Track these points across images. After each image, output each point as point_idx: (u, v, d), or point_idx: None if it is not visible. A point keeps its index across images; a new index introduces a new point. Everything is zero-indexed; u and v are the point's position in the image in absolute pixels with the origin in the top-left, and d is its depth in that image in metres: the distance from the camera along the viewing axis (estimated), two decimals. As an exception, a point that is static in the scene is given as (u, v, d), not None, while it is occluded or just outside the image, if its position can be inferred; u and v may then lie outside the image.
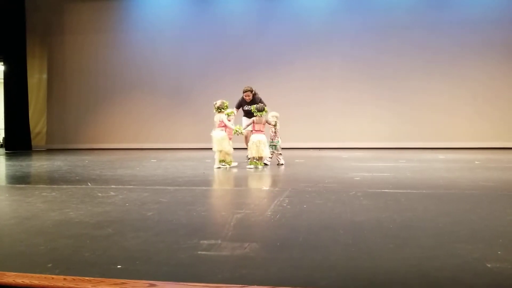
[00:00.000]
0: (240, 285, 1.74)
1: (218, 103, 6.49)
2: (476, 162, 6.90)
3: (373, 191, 4.13)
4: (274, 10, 11.39)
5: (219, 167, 6.32)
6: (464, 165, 6.51)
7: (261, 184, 5.24)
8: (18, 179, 5.63)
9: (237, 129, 6.45)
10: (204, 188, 4.86)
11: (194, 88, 11.56)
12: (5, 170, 6.97)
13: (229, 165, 6.40)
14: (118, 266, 2.02)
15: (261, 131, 6.49)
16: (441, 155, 8.28)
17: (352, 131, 10.84)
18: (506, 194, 4.04)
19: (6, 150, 11.76)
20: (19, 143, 11.88)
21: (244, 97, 7.02)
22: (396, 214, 3.08)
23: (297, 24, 11.18)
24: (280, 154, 6.83)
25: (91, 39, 12.27)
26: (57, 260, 2.13)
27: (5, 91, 12.10)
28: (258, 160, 6.40)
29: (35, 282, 1.77)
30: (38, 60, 12.61)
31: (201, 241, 2.39)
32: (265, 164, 6.68)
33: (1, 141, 13.32)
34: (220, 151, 6.38)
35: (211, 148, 6.55)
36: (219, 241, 2.40)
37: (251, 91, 6.99)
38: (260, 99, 7.00)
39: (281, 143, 6.86)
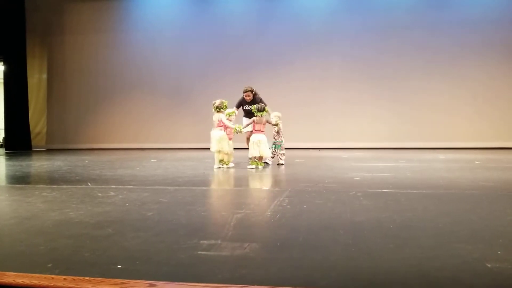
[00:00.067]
0: (240, 285, 1.74)
1: (217, 102, 6.48)
2: (476, 162, 6.90)
3: (373, 191, 4.13)
4: (274, 10, 11.39)
5: (219, 167, 6.32)
6: (464, 165, 6.51)
7: (261, 184, 5.24)
8: (18, 179, 5.63)
9: (237, 128, 6.45)
10: (204, 188, 4.86)
11: (194, 88, 11.56)
12: (5, 170, 6.97)
13: (226, 165, 6.38)
14: (118, 266, 2.02)
15: (261, 131, 6.49)
16: (441, 155, 8.28)
17: (352, 131, 10.84)
18: (506, 194, 4.04)
19: (6, 150, 11.76)
20: (19, 143, 11.88)
21: (244, 97, 7.01)
22: (396, 214, 3.08)
23: (297, 24, 11.18)
24: (283, 154, 6.83)
25: (91, 39, 12.27)
26: (57, 260, 2.13)
27: (5, 91, 12.10)
28: (258, 160, 6.40)
29: (35, 282, 1.77)
30: (38, 60, 12.61)
31: (201, 241, 2.39)
32: (266, 164, 6.68)
33: (1, 141, 13.32)
34: (219, 152, 6.37)
35: (209, 148, 6.56)
36: (219, 241, 2.40)
37: (252, 91, 6.99)
38: (261, 99, 6.99)
39: (284, 142, 6.86)
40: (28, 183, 5.51)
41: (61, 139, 12.36)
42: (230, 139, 6.73)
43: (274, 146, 6.80)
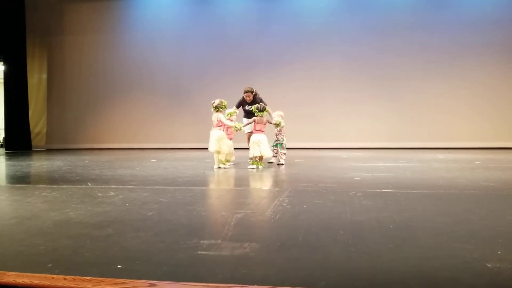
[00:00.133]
0: (240, 285, 1.74)
1: (216, 102, 6.47)
2: (476, 162, 6.91)
3: (373, 191, 4.13)
4: (274, 10, 11.39)
5: (219, 167, 6.32)
6: (464, 165, 6.51)
7: (261, 184, 5.24)
8: (18, 179, 5.63)
9: (236, 125, 6.46)
10: (204, 188, 4.86)
11: (194, 88, 11.56)
12: (5, 170, 6.97)
13: (223, 164, 6.37)
14: (118, 266, 2.02)
15: (262, 131, 6.48)
16: (441, 155, 8.28)
17: (352, 131, 10.85)
18: (506, 194, 4.04)
19: (6, 150, 11.76)
20: (19, 143, 11.88)
21: (244, 97, 7.01)
22: (396, 214, 3.08)
23: (297, 24, 11.18)
24: (284, 153, 6.83)
25: (91, 39, 12.27)
26: (57, 260, 2.13)
27: (5, 91, 12.09)
28: (259, 160, 6.39)
29: (35, 282, 1.77)
30: (38, 60, 12.61)
31: (201, 241, 2.40)
32: (272, 163, 6.68)
33: (1, 141, 13.32)
34: (218, 152, 6.37)
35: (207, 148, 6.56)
36: (219, 241, 2.40)
37: (252, 91, 6.98)
38: (261, 99, 6.99)
39: (286, 142, 6.85)
40: (28, 183, 5.51)
41: (61, 139, 12.35)
42: (230, 139, 6.73)
43: (275, 145, 6.79)
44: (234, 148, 6.84)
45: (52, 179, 5.53)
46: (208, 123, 6.76)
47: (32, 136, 12.31)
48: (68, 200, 3.78)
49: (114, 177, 5.49)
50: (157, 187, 4.53)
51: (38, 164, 7.92)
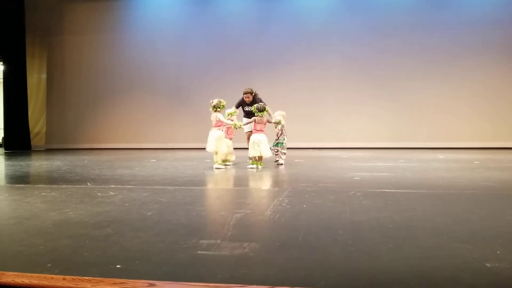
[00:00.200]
0: (240, 285, 1.74)
1: (215, 101, 6.45)
2: (476, 162, 6.90)
3: (372, 191, 4.13)
4: (274, 10, 11.38)
5: (216, 168, 6.30)
6: (463, 165, 6.51)
7: (260, 184, 5.24)
8: (17, 179, 5.62)
9: (236, 123, 6.46)
10: (203, 188, 4.86)
11: (194, 88, 11.56)
12: (5, 170, 6.97)
13: (218, 164, 6.33)
14: (118, 266, 2.02)
15: (262, 130, 6.48)
16: (440, 155, 8.28)
17: (351, 131, 10.84)
18: (505, 194, 4.04)
19: (5, 149, 11.75)
20: (19, 143, 11.87)
21: (244, 98, 7.00)
22: (396, 214, 3.08)
23: (297, 24, 11.17)
24: (284, 153, 6.82)
25: (91, 39, 12.27)
26: (57, 260, 2.13)
27: (5, 91, 12.08)
28: (258, 160, 6.39)
29: (35, 282, 1.77)
30: (37, 60, 12.60)
31: (201, 241, 2.39)
32: (280, 164, 6.66)
33: (1, 141, 13.31)
34: (216, 152, 6.36)
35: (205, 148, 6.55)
36: (219, 241, 2.40)
37: (251, 93, 6.96)
38: (260, 100, 6.98)
39: (286, 142, 6.84)
40: (28, 183, 5.51)
41: (60, 139, 12.35)
42: (230, 139, 6.73)
43: (276, 144, 6.79)
44: (234, 148, 6.84)
45: (52, 179, 5.53)
46: (207, 123, 6.76)
47: (31, 136, 12.30)
48: (68, 200, 3.78)
49: (113, 177, 5.49)
50: (157, 187, 4.53)
51: (38, 164, 7.92)
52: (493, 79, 10.42)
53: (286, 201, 3.63)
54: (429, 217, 3.01)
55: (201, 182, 5.19)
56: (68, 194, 4.10)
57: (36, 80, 12.57)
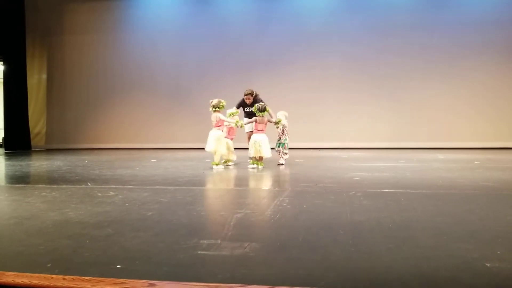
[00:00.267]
0: (240, 285, 1.74)
1: (215, 101, 6.45)
2: (476, 162, 6.90)
3: (372, 191, 4.13)
4: (274, 10, 11.38)
5: (212, 168, 6.29)
6: (463, 165, 6.51)
7: (261, 184, 5.24)
8: (17, 179, 5.62)
9: (237, 121, 6.46)
10: (204, 188, 4.87)
11: (194, 88, 11.56)
12: (5, 170, 6.97)
13: (216, 165, 6.32)
14: (118, 266, 2.02)
15: (263, 130, 6.47)
16: (440, 155, 8.28)
17: (352, 131, 10.84)
18: (505, 194, 4.04)
19: (5, 150, 11.75)
20: (19, 143, 11.87)
21: (245, 99, 6.99)
22: (396, 214, 3.08)
23: (297, 24, 11.18)
24: (286, 153, 6.81)
25: (91, 39, 12.27)
26: (57, 260, 2.13)
27: (5, 91, 12.09)
28: (258, 160, 6.39)
29: (35, 282, 1.77)
30: (37, 60, 12.61)
31: (201, 241, 2.39)
32: (281, 164, 6.66)
33: (1, 141, 13.31)
34: (215, 152, 6.35)
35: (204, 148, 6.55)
36: (219, 241, 2.40)
37: (252, 94, 6.95)
38: (261, 100, 6.96)
39: (288, 142, 6.84)
40: (28, 183, 5.51)
41: (60, 139, 12.35)
42: (231, 139, 6.73)
43: (278, 144, 6.79)
44: (234, 148, 6.83)
45: (52, 179, 5.53)
46: (208, 123, 6.76)
47: (31, 136, 12.31)
48: (68, 200, 3.78)
49: (114, 177, 5.49)
50: (157, 187, 4.53)
51: (38, 164, 7.92)
52: (493, 79, 10.42)
53: (287, 201, 3.63)
54: (429, 217, 3.01)
55: (202, 182, 5.19)
56: (68, 194, 4.10)
57: (36, 80, 12.57)
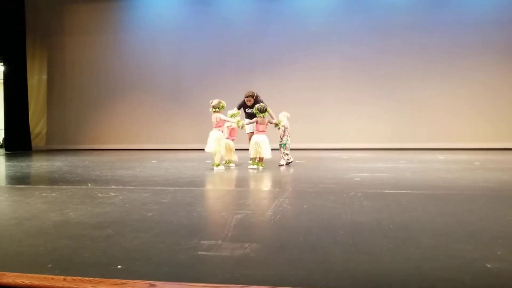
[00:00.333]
0: (240, 285, 1.74)
1: (215, 102, 6.45)
2: (476, 163, 6.90)
3: (373, 191, 4.13)
4: (274, 11, 11.39)
5: (218, 168, 6.29)
6: (464, 166, 6.51)
7: (261, 184, 5.24)
8: (18, 180, 5.63)
9: (239, 121, 6.46)
10: (204, 188, 4.87)
11: (195, 88, 11.56)
12: (5, 170, 6.97)
13: (216, 166, 6.33)
14: (118, 267, 2.02)
15: (263, 131, 6.47)
16: (441, 156, 8.28)
17: (352, 132, 10.84)
18: (505, 194, 4.04)
19: (6, 150, 11.76)
20: (19, 143, 11.88)
21: (245, 101, 6.98)
22: (396, 214, 3.08)
23: (297, 25, 11.18)
24: (287, 154, 6.81)
25: (91, 40, 12.27)
26: (57, 260, 2.13)
27: (5, 91, 12.09)
28: (259, 160, 6.38)
29: (35, 282, 1.77)
30: (38, 61, 12.61)
31: (202, 242, 2.40)
32: (285, 164, 6.65)
33: (1, 142, 13.32)
34: (215, 154, 6.35)
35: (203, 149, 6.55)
36: (220, 242, 2.40)
37: (253, 96, 6.93)
38: (262, 102, 6.95)
39: (290, 143, 6.83)
40: (28, 183, 5.51)
41: (61, 140, 12.35)
42: (233, 140, 6.72)
43: (281, 145, 6.80)
44: (235, 149, 6.83)
45: (52, 180, 5.53)
46: (209, 124, 6.76)
47: (32, 136, 12.31)
48: (68, 200, 3.78)
49: (114, 177, 5.49)
50: (158, 187, 4.53)
51: (38, 164, 7.92)
52: (493, 79, 10.42)
53: (287, 202, 3.63)
54: (429, 217, 3.01)
55: (202, 183, 5.19)
56: (68, 194, 4.10)
57: (36, 81, 12.58)
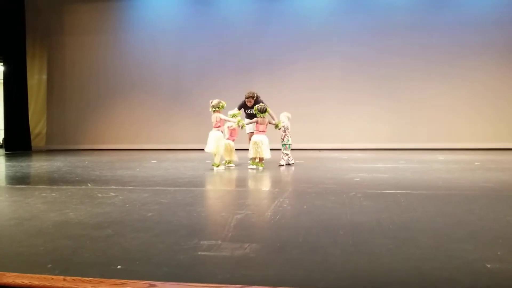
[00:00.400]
0: (240, 285, 1.74)
1: (214, 102, 6.44)
2: (476, 163, 6.90)
3: (373, 192, 4.13)
4: (274, 11, 11.39)
5: (218, 169, 6.29)
6: (464, 166, 6.51)
7: (261, 185, 5.24)
8: (18, 180, 5.63)
9: (239, 120, 6.45)
10: (204, 189, 4.87)
11: (195, 88, 11.56)
12: (5, 170, 6.97)
13: (216, 166, 6.33)
14: (118, 267, 2.02)
15: (263, 131, 6.47)
16: (441, 156, 8.28)
17: (352, 132, 10.84)
18: (506, 195, 4.04)
19: (6, 150, 11.76)
20: (19, 143, 11.88)
21: (246, 102, 6.98)
22: (396, 215, 3.08)
23: (297, 25, 11.18)
24: (287, 154, 6.81)
25: (91, 40, 12.27)
26: (57, 260, 2.13)
27: (5, 91, 12.10)
28: (259, 160, 6.38)
29: (35, 282, 1.77)
30: (38, 61, 12.61)
31: (201, 242, 2.40)
32: (285, 164, 6.65)
33: (1, 142, 13.32)
34: (215, 154, 6.35)
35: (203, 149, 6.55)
36: (219, 242, 2.40)
37: (253, 97, 6.91)
38: (262, 102, 6.94)
39: (291, 143, 6.83)
40: (28, 183, 5.51)
41: (61, 140, 12.35)
42: (233, 140, 6.72)
43: (282, 146, 6.80)
44: (235, 149, 6.82)
45: (52, 180, 5.53)
46: (209, 124, 6.76)
47: (32, 136, 12.31)
48: (68, 200, 3.78)
49: (114, 177, 5.49)
50: (158, 188, 4.53)
51: (38, 165, 7.92)
52: (493, 79, 10.42)
53: (287, 202, 3.63)
54: (429, 218, 3.01)
55: (202, 183, 5.19)
56: (68, 195, 4.10)
57: (36, 81, 12.58)
